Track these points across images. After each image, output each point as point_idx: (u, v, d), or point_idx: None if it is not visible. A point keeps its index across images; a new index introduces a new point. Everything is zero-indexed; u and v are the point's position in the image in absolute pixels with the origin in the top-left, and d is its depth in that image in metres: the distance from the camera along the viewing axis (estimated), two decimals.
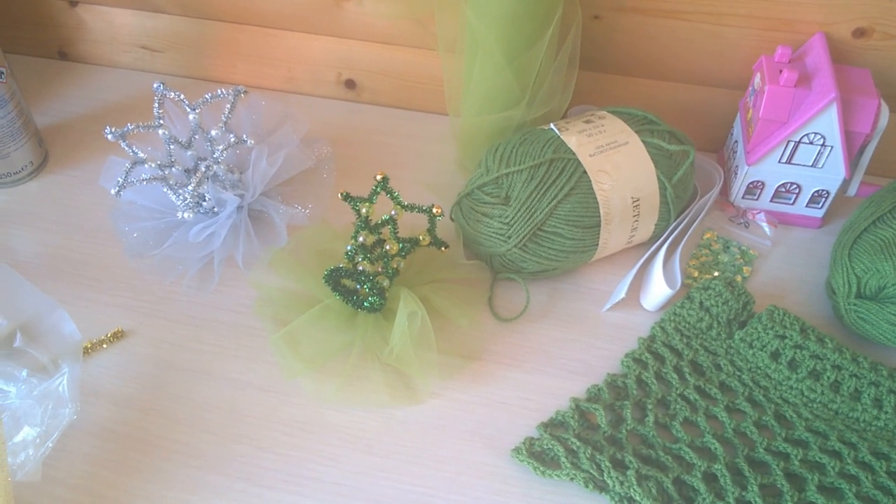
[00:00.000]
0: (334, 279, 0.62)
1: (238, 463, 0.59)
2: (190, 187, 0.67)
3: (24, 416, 0.56)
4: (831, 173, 0.71)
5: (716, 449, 0.58)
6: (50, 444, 0.56)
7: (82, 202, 0.77)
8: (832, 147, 0.69)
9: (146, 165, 0.69)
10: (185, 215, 0.67)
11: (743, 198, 0.76)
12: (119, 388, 0.63)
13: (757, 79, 0.72)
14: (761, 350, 0.64)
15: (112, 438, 0.60)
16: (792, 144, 0.70)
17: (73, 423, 0.58)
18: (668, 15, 0.74)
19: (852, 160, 0.72)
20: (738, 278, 0.71)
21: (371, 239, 0.65)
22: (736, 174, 0.75)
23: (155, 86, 0.69)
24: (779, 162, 0.71)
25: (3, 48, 0.74)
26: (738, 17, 0.73)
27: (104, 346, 0.65)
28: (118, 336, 0.66)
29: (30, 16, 0.90)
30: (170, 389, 0.63)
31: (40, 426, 0.56)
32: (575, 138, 0.67)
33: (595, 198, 0.65)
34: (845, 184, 0.74)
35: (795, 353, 0.63)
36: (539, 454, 0.59)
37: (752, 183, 0.74)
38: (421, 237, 0.66)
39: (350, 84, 0.88)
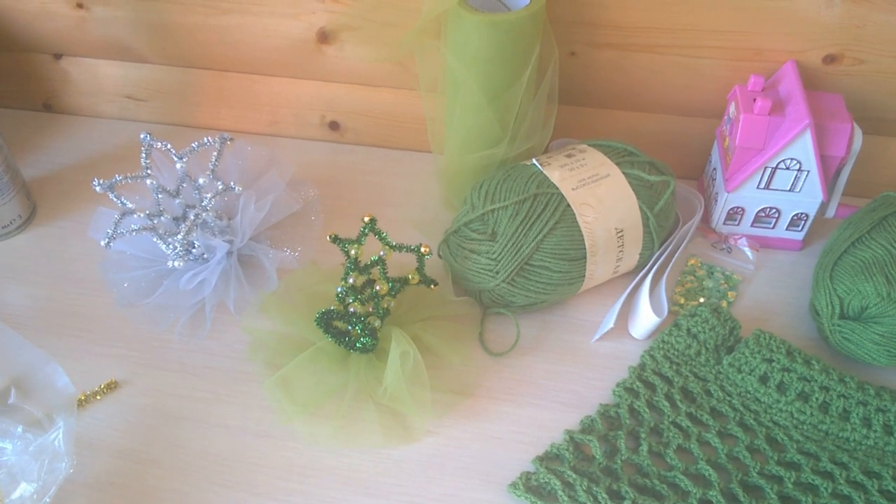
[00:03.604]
0: (326, 321, 0.63)
1: None
2: (179, 236, 0.67)
3: (21, 472, 0.56)
4: (809, 197, 0.73)
5: (710, 475, 0.59)
6: (48, 500, 0.56)
7: (71, 254, 0.77)
8: (808, 171, 0.71)
9: (135, 216, 0.69)
10: (176, 264, 0.67)
11: (724, 224, 0.77)
12: (114, 439, 0.63)
13: (732, 108, 0.73)
14: (750, 374, 0.65)
15: (109, 491, 0.60)
16: (769, 170, 0.71)
17: (69, 477, 0.57)
18: (643, 49, 0.76)
19: (829, 183, 0.73)
20: (724, 303, 0.72)
21: (361, 280, 0.65)
22: (716, 201, 0.76)
23: (142, 136, 0.70)
24: (757, 188, 0.73)
25: None
26: (711, 49, 0.75)
27: (98, 397, 0.65)
28: (112, 387, 0.66)
29: (14, 69, 0.91)
30: (165, 439, 0.63)
31: (37, 482, 0.56)
32: (557, 173, 0.68)
33: (580, 230, 0.67)
34: (823, 206, 0.75)
35: (783, 375, 0.64)
36: (536, 488, 0.59)
37: (732, 209, 0.75)
38: (410, 276, 0.67)
39: (334, 125, 0.89)
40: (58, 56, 0.89)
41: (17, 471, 0.56)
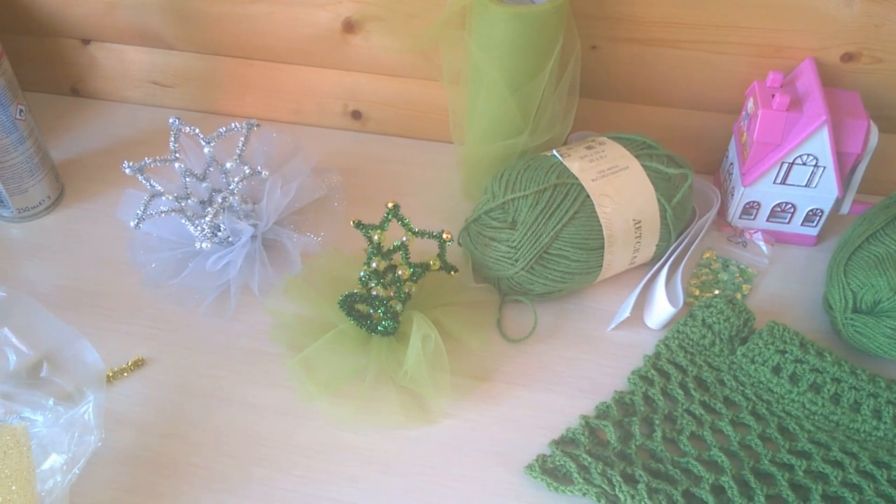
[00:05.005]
0: (349, 304, 0.64)
1: (258, 486, 0.60)
2: (207, 218, 0.69)
3: (52, 443, 0.58)
4: (825, 193, 0.74)
5: (722, 462, 0.60)
6: (76, 471, 0.57)
7: (98, 235, 0.79)
8: (825, 167, 0.72)
9: (163, 198, 0.71)
10: (204, 245, 0.69)
11: (740, 218, 0.78)
12: (141, 414, 0.65)
13: (750, 103, 0.74)
14: (763, 365, 0.66)
15: (135, 464, 0.61)
16: (786, 166, 0.72)
17: (97, 450, 0.59)
18: (663, 44, 0.77)
19: (844, 179, 0.74)
20: (738, 296, 0.74)
21: (383, 265, 0.67)
22: (732, 195, 0.78)
23: (171, 121, 0.71)
24: (773, 183, 0.74)
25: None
26: (731, 45, 0.76)
27: (125, 374, 0.67)
28: (139, 364, 0.68)
29: (43, 54, 0.93)
30: (190, 415, 0.65)
31: (67, 453, 0.57)
32: (577, 164, 0.70)
33: (598, 221, 0.68)
34: (838, 202, 0.76)
35: (796, 367, 0.65)
36: (552, 470, 0.61)
37: (748, 203, 0.76)
38: (431, 262, 0.68)
39: (356, 115, 0.90)
40: (86, 41, 0.91)
41: (47, 442, 0.58)
